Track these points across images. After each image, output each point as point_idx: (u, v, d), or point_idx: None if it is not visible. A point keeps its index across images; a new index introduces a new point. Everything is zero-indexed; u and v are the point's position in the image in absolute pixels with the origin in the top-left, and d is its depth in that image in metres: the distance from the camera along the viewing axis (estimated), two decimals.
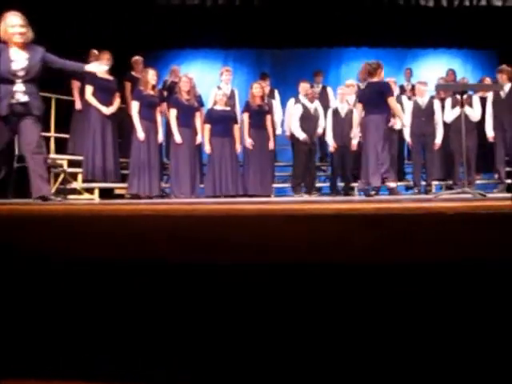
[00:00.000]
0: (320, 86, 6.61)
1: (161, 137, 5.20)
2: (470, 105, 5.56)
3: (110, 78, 5.15)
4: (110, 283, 1.76)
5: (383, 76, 4.97)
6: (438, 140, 5.55)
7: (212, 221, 1.82)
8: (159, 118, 5.25)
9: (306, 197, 5.52)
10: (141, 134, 4.96)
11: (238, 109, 6.03)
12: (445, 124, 5.62)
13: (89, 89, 5.00)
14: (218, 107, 5.49)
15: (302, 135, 5.66)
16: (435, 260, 1.85)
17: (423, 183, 5.68)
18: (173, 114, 5.20)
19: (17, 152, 4.42)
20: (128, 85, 5.70)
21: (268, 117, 5.66)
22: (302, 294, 1.88)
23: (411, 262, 1.84)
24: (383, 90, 4.76)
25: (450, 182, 5.67)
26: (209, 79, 6.87)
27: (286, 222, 1.80)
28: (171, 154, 5.23)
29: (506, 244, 1.88)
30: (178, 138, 5.14)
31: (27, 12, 3.40)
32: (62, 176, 5.05)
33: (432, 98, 5.86)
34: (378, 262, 1.82)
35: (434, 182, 5.77)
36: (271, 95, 6.31)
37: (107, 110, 5.02)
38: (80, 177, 5.13)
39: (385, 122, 4.82)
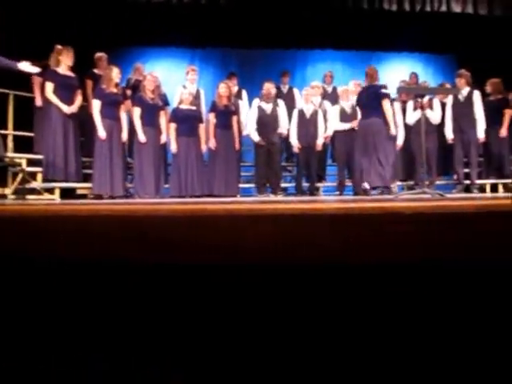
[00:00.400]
0: (287, 86, 6.65)
1: (125, 136, 5.11)
2: (431, 108, 5.71)
3: (72, 74, 5.01)
4: (68, 285, 1.71)
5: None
6: (400, 142, 5.67)
7: (175, 221, 1.79)
8: (123, 117, 5.16)
9: (272, 197, 5.54)
10: (102, 132, 4.85)
11: (204, 108, 5.99)
12: (406, 126, 5.76)
13: (49, 86, 4.85)
14: (184, 106, 5.44)
15: (256, 137, 5.68)
16: (397, 260, 1.89)
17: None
18: (137, 112, 5.12)
19: None
20: (89, 82, 5.56)
21: (234, 117, 5.65)
22: (269, 295, 1.89)
23: (374, 262, 1.87)
24: (380, 93, 4.90)
25: (412, 183, 5.81)
26: (175, 78, 6.79)
27: (249, 222, 1.79)
28: (135, 153, 5.15)
29: (462, 244, 1.94)
30: (141, 137, 5.06)
31: None
32: (20, 175, 4.88)
33: (393, 100, 5.99)
34: (342, 263, 1.84)
35: (397, 183, 5.89)
36: (239, 95, 6.30)
37: (68, 110, 4.87)
38: (40, 176, 4.97)
39: (382, 125, 4.94)
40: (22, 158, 5.01)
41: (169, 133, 5.34)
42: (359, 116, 5.40)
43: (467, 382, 1.57)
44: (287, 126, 5.84)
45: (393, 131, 5.09)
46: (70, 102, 4.92)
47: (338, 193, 5.74)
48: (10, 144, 5.12)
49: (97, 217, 1.80)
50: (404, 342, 1.69)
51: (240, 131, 5.81)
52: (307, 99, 5.79)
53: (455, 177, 5.77)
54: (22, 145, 5.25)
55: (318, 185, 5.96)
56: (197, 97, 5.83)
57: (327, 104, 6.07)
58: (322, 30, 7.25)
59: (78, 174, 4.99)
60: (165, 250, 1.77)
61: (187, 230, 1.77)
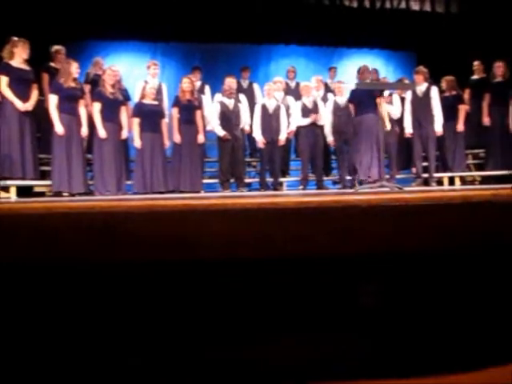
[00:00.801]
0: (247, 81, 6.65)
1: (84, 131, 4.97)
2: (391, 103, 5.83)
3: (27, 68, 4.83)
4: (26, 285, 1.66)
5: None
6: None
7: (133, 217, 1.77)
8: (83, 112, 5.02)
9: (237, 192, 5.54)
10: (59, 128, 4.71)
11: (167, 103, 5.92)
12: None
13: (3, 80, 4.65)
14: (147, 101, 5.36)
15: (221, 132, 5.66)
16: (354, 252, 1.92)
17: (348, 178, 5.89)
18: (96, 107, 5.00)
19: None
20: (46, 76, 5.38)
21: (198, 112, 5.60)
22: (226, 290, 1.89)
23: (332, 254, 1.90)
24: (373, 91, 4.97)
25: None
26: (136, 73, 6.68)
27: (207, 217, 1.79)
28: (95, 149, 5.02)
29: (418, 235, 2.00)
30: (101, 132, 4.95)
31: None
32: None
33: None
34: (299, 256, 1.86)
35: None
36: (202, 90, 6.26)
37: (23, 107, 4.65)
38: None
39: (376, 119, 5.02)
40: None
41: (130, 128, 5.26)
42: (329, 111, 5.59)
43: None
44: (249, 122, 5.84)
45: (387, 126, 5.23)
46: (25, 97, 4.73)
47: (301, 187, 5.79)
48: None
49: (52, 214, 1.76)
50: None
51: (204, 126, 5.78)
52: (269, 94, 5.81)
53: (414, 170, 5.93)
54: None
55: (282, 180, 5.99)
56: (159, 91, 5.75)
57: (290, 99, 6.10)
58: (285, 26, 7.29)
59: (35, 171, 4.83)
60: (124, 246, 1.74)
61: (145, 226, 1.75)
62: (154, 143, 5.28)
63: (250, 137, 6.05)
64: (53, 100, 4.76)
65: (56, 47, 5.62)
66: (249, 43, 7.88)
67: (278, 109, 5.77)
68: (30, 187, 5.17)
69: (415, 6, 6.98)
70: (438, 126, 5.67)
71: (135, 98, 5.63)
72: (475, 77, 6.24)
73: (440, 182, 6.02)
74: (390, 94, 5.86)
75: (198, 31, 7.41)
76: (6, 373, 1.50)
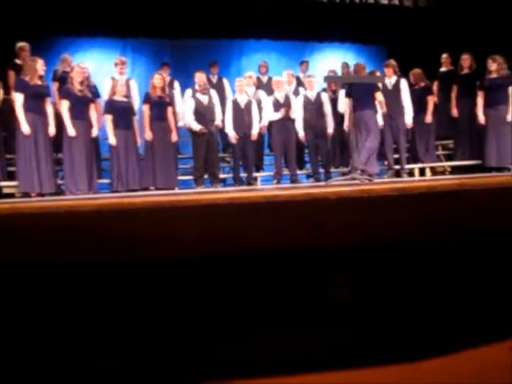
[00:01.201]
0: (216, 76, 6.61)
1: (52, 130, 4.87)
2: None
3: None
4: None
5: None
6: (330, 130, 5.82)
7: (102, 216, 1.74)
8: (50, 110, 4.91)
9: (211, 188, 5.52)
10: (25, 127, 4.59)
11: (137, 100, 5.84)
12: (339, 114, 5.92)
13: None
14: (118, 98, 5.29)
15: (197, 126, 5.63)
16: (325, 244, 1.94)
17: (322, 171, 5.93)
18: (65, 105, 4.89)
19: None
20: (12, 74, 5.25)
21: (169, 108, 5.54)
22: (202, 287, 1.88)
23: (303, 247, 1.91)
24: (370, 87, 5.31)
25: (346, 169, 5.98)
26: (106, 69, 6.56)
27: (178, 213, 1.77)
28: (64, 148, 4.90)
29: (386, 225, 2.03)
30: (71, 131, 4.84)
31: None
32: None
33: (324, 90, 6.14)
34: (271, 250, 1.87)
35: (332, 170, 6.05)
36: (171, 85, 6.20)
37: None
38: None
39: (375, 116, 5.41)
40: None
41: (100, 126, 5.17)
42: (300, 105, 5.70)
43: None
44: (221, 117, 5.82)
45: (380, 121, 5.55)
46: None
47: (275, 182, 5.80)
48: None
49: (19, 215, 1.72)
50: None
51: (176, 122, 5.73)
52: (241, 89, 5.79)
53: (386, 162, 6.01)
54: None
55: (256, 175, 6.00)
56: (127, 88, 5.65)
57: (262, 94, 6.09)
58: (256, 21, 7.27)
59: (2, 172, 4.71)
60: (94, 246, 1.71)
61: (119, 225, 1.73)
62: (127, 140, 5.22)
63: (222, 132, 6.02)
64: (18, 98, 4.64)
65: (20, 44, 5.48)
66: (220, 38, 7.84)
67: (249, 104, 5.76)
68: None
69: (384, 0, 7.05)
70: (409, 118, 5.76)
71: (104, 95, 5.54)
72: (443, 69, 6.35)
73: (411, 174, 6.12)
74: None
75: (168, 27, 7.32)
76: None
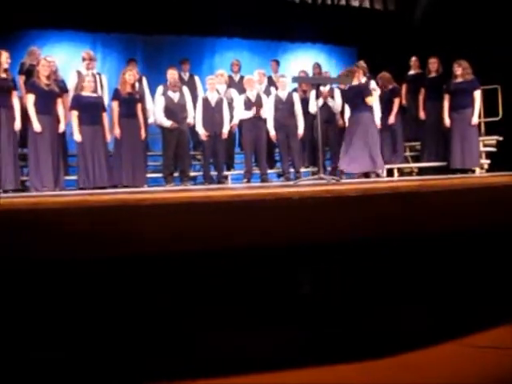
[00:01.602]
0: (187, 74, 6.56)
1: (18, 125, 4.74)
2: (332, 97, 5.96)
3: None
4: None
5: (364, 78, 5.70)
6: (300, 130, 5.86)
7: (68, 213, 1.71)
8: (16, 104, 4.79)
9: (181, 186, 5.49)
10: None
11: (107, 95, 5.75)
12: (310, 114, 5.98)
13: None
14: (86, 93, 5.19)
15: (167, 122, 5.59)
16: (286, 243, 1.96)
17: (292, 170, 5.97)
18: (30, 99, 4.78)
19: None
20: None
21: (139, 105, 5.48)
22: (168, 284, 1.87)
23: (263, 245, 1.93)
24: (362, 91, 5.48)
25: (315, 169, 6.04)
26: (76, 64, 6.43)
27: (141, 212, 1.76)
28: (29, 143, 4.80)
29: (349, 224, 2.06)
30: (36, 126, 4.74)
31: None
32: None
33: (295, 90, 6.18)
34: (236, 248, 1.87)
35: (302, 169, 6.10)
36: (140, 82, 6.12)
37: None
38: None
39: (370, 118, 5.55)
40: None
41: (67, 121, 5.07)
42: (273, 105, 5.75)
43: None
44: (193, 114, 5.79)
45: (378, 122, 5.71)
46: None
47: (245, 180, 5.81)
48: None
49: None
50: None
51: (146, 119, 5.67)
52: (212, 88, 5.78)
53: None
54: None
55: (227, 173, 5.99)
56: (96, 83, 5.55)
57: (233, 92, 6.09)
58: (228, 19, 7.25)
59: None
60: (57, 243, 1.68)
61: (84, 223, 1.70)
62: (95, 137, 5.13)
63: (193, 130, 5.99)
64: None
65: None
66: (192, 35, 7.78)
67: (220, 102, 5.75)
68: None
69: (355, 3, 7.15)
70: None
71: (71, 89, 5.43)
72: (412, 72, 6.48)
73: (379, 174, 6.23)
74: (331, 88, 5.99)
75: (139, 22, 7.21)
76: None
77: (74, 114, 5.08)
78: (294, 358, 1.71)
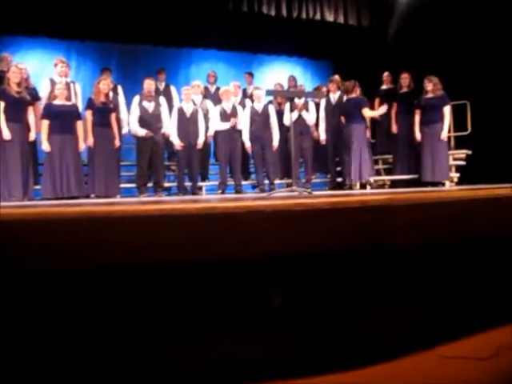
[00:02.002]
0: (163, 84, 6.55)
1: None
2: (307, 109, 6.02)
3: None
4: None
5: (359, 92, 5.91)
6: (275, 142, 5.90)
7: (28, 225, 1.67)
8: None
9: (155, 197, 5.44)
10: None
11: (80, 104, 5.68)
12: (284, 127, 6.02)
13: None
14: (59, 102, 5.10)
15: (142, 131, 5.55)
16: (259, 255, 1.96)
17: (267, 182, 5.99)
18: (0, 107, 4.67)
19: None
20: None
21: (113, 115, 5.42)
22: (137, 294, 1.84)
23: (236, 257, 1.92)
24: (360, 104, 5.73)
25: (290, 181, 6.08)
26: (49, 71, 6.33)
27: (110, 224, 1.74)
28: None
29: (320, 237, 2.07)
30: (5, 133, 4.62)
31: None
32: None
33: (270, 102, 6.22)
34: (205, 261, 1.86)
35: (277, 181, 6.13)
36: (114, 91, 6.08)
37: None
38: None
39: (365, 130, 5.82)
40: None
41: (38, 130, 4.97)
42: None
43: None
44: (168, 125, 5.76)
45: (368, 134, 5.93)
46: None
47: (220, 191, 5.80)
48: None
49: None
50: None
51: (120, 129, 5.61)
52: (187, 98, 5.77)
53: (329, 175, 6.16)
54: None
55: (201, 184, 5.97)
56: (70, 91, 5.47)
57: (209, 103, 6.10)
58: (205, 30, 7.27)
59: None
60: (22, 254, 1.64)
61: (44, 233, 1.66)
62: (65, 146, 5.02)
63: (167, 140, 5.96)
64: None
65: None
66: (168, 46, 7.78)
67: (195, 113, 5.74)
68: None
69: (329, 18, 7.27)
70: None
71: (42, 97, 5.34)
72: (384, 87, 6.61)
73: (352, 186, 6.31)
74: (306, 101, 6.06)
75: (115, 31, 7.16)
76: None
77: (45, 122, 4.98)
78: (269, 370, 1.70)
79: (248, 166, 6.51)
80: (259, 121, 5.82)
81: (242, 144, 5.85)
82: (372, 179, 5.88)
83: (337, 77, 6.23)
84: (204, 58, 8.20)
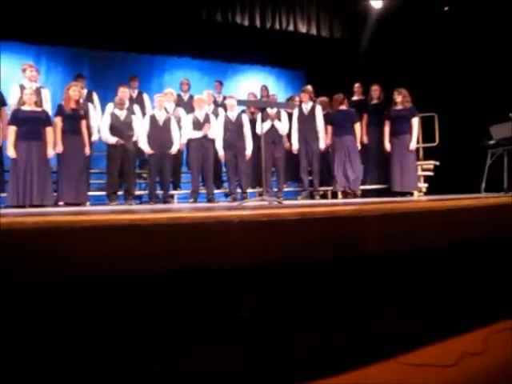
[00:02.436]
0: (136, 91, 6.49)
1: None
2: (279, 119, 6.07)
3: None
4: None
5: (347, 105, 6.14)
6: (248, 151, 5.91)
7: None
8: None
9: (125, 205, 5.36)
10: None
11: (50, 109, 5.57)
12: (258, 135, 6.04)
13: None
14: (27, 108, 4.99)
15: (112, 139, 5.49)
16: (230, 266, 1.96)
17: (239, 191, 5.99)
18: None
19: None
20: None
21: (83, 122, 5.34)
22: (102, 308, 1.81)
23: (205, 268, 1.91)
24: (352, 117, 5.97)
25: (261, 190, 6.10)
26: (18, 76, 6.20)
27: (75, 234, 1.70)
28: None
29: (287, 248, 2.08)
30: None
31: None
32: None
33: (243, 111, 6.24)
34: (172, 272, 1.84)
35: (249, 190, 6.14)
36: (89, 98, 5.99)
37: None
38: None
39: (354, 141, 5.97)
40: None
41: (6, 136, 4.85)
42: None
43: None
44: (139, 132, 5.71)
45: (359, 146, 6.05)
46: None
47: (191, 200, 5.77)
48: None
49: None
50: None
51: (90, 136, 5.52)
52: (160, 106, 5.73)
53: (300, 184, 6.21)
54: None
55: (173, 192, 5.93)
56: (39, 97, 5.36)
57: (181, 111, 6.08)
58: (178, 39, 7.26)
59: None
60: None
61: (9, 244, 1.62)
62: (32, 152, 4.89)
63: (139, 148, 5.90)
64: None
65: None
66: (141, 53, 7.73)
67: (168, 120, 5.71)
68: None
69: (302, 29, 7.37)
70: (322, 142, 6.02)
71: (10, 102, 5.22)
72: (355, 98, 6.71)
73: (324, 195, 6.38)
74: (278, 111, 6.10)
75: (86, 36, 7.06)
76: None
77: (12, 129, 4.86)
78: (238, 381, 1.70)
79: (220, 175, 6.50)
80: (233, 129, 5.82)
81: (215, 152, 5.84)
82: (359, 189, 6.05)
83: (309, 87, 6.30)
84: (178, 66, 8.18)
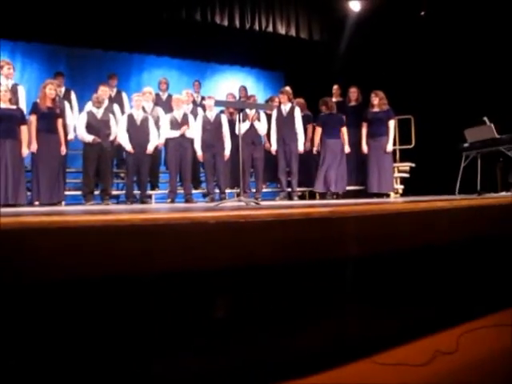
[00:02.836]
0: (114, 89, 6.42)
1: None
2: (258, 119, 6.08)
3: None
4: None
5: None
6: (227, 151, 5.88)
7: None
8: None
9: (101, 205, 5.30)
10: None
11: (24, 107, 5.46)
12: (237, 136, 6.03)
13: None
14: (1, 105, 4.88)
15: (89, 137, 5.41)
16: (206, 266, 1.95)
17: (217, 191, 5.98)
18: None
19: None
20: None
21: (59, 120, 5.26)
22: (77, 312, 1.78)
23: (181, 269, 1.90)
24: (341, 122, 6.11)
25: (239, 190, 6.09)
26: None
27: (47, 235, 1.68)
28: None
29: (262, 249, 2.09)
30: None
31: None
32: None
33: (222, 111, 6.23)
34: (146, 273, 1.83)
35: (227, 190, 6.13)
36: (67, 96, 5.90)
37: None
38: None
39: (342, 144, 6.08)
40: None
41: None
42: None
43: None
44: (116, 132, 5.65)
45: (347, 149, 6.12)
46: None
47: (169, 200, 5.73)
48: None
49: None
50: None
51: (66, 135, 5.44)
52: (138, 105, 5.68)
53: (279, 185, 6.23)
54: None
55: (150, 192, 5.88)
56: (14, 94, 5.26)
57: (160, 111, 6.03)
58: (157, 37, 7.21)
59: None
60: None
61: None
62: (5, 151, 4.79)
63: (117, 147, 5.83)
64: None
65: None
66: (120, 51, 7.64)
67: (145, 120, 5.66)
68: None
69: (281, 30, 7.41)
70: (300, 143, 6.05)
71: None
72: (333, 99, 6.76)
73: (303, 196, 6.41)
74: (258, 112, 6.11)
75: (63, 33, 6.94)
76: None
77: None
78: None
79: (198, 175, 6.48)
80: (211, 130, 5.80)
81: (193, 152, 5.80)
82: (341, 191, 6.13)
83: (288, 88, 6.32)
84: (156, 65, 8.12)
